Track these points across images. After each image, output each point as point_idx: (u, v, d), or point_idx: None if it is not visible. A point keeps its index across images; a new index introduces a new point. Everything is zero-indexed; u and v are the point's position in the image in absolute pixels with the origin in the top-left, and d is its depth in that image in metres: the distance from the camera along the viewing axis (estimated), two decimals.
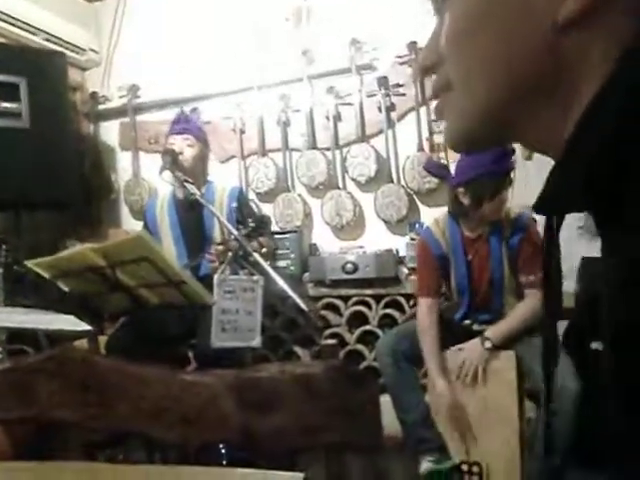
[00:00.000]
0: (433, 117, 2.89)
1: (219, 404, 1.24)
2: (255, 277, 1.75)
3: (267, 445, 1.02)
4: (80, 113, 3.38)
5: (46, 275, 1.66)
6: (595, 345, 2.38)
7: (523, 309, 1.97)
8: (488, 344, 1.93)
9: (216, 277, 1.73)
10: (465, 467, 1.97)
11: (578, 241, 2.73)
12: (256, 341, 1.77)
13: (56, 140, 2.74)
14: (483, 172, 1.87)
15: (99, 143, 3.39)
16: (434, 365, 1.98)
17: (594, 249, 2.28)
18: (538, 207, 0.38)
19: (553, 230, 0.40)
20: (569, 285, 2.36)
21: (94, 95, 3.39)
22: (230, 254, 1.76)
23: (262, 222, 1.93)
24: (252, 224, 1.83)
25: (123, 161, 3.39)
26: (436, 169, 2.28)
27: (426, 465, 1.91)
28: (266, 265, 1.69)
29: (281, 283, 1.68)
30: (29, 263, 1.62)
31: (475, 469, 1.96)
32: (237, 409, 1.24)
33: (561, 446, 1.77)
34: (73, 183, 2.85)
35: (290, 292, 1.66)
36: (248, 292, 1.76)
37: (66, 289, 1.71)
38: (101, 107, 3.40)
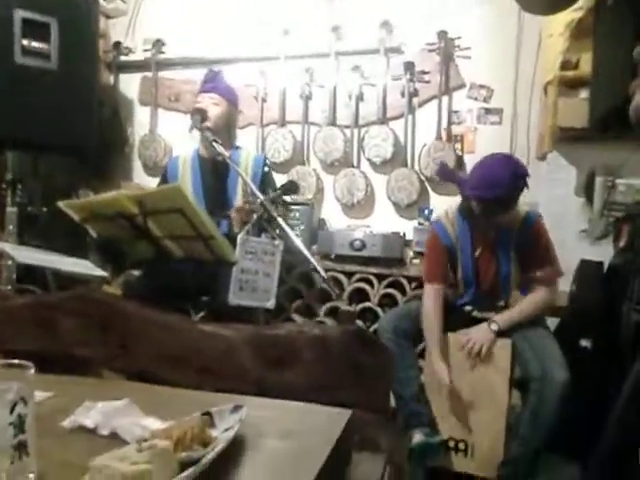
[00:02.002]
0: (454, 107, 2.94)
1: (236, 356, 1.31)
2: (276, 241, 1.81)
3: (279, 399, 1.09)
4: (102, 62, 3.37)
5: (76, 217, 1.69)
6: (584, 343, 2.49)
7: (532, 300, 2.06)
8: (495, 327, 2.02)
9: (240, 237, 1.78)
10: (452, 443, 2.08)
11: (578, 244, 2.83)
12: (270, 302, 1.83)
13: (80, 86, 2.74)
14: (499, 194, 1.89)
15: (118, 95, 3.38)
16: (435, 347, 2.07)
17: (593, 253, 2.37)
18: None
19: None
20: (564, 284, 2.45)
21: (117, 45, 3.37)
22: (255, 216, 1.81)
23: (294, 185, 1.97)
24: (281, 188, 1.88)
25: (141, 116, 3.39)
26: (449, 176, 2.29)
27: (416, 438, 2.01)
28: (289, 230, 1.74)
29: (302, 248, 1.73)
30: (61, 204, 1.63)
31: (461, 446, 2.07)
32: (253, 362, 1.30)
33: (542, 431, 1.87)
34: (92, 131, 2.85)
35: (310, 257, 1.72)
36: (268, 255, 1.82)
37: (93, 233, 1.74)
38: (123, 58, 3.39)
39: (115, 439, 0.63)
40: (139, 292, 2.06)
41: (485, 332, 2.03)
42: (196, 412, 0.66)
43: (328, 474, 0.63)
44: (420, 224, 2.85)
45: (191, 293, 2.11)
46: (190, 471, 0.51)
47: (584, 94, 2.47)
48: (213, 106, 2.25)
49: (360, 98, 3.03)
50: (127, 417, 0.65)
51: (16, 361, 0.57)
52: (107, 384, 0.90)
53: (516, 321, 2.04)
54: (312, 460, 0.63)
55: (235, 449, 0.63)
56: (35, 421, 0.54)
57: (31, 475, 0.53)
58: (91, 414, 0.65)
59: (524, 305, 2.06)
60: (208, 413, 0.66)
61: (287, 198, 2.98)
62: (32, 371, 0.55)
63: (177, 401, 0.85)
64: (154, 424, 0.64)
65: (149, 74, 3.33)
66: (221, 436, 0.60)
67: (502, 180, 1.89)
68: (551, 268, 2.07)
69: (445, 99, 2.91)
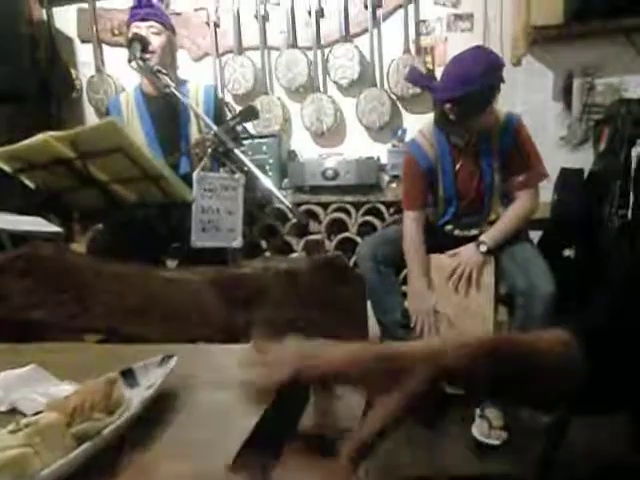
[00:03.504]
0: (421, 17, 2.73)
1: (201, 301, 1.21)
2: (236, 175, 1.67)
3: (249, 341, 0.99)
4: None
5: (7, 169, 1.53)
6: (568, 252, 2.44)
7: (516, 210, 1.96)
8: (484, 248, 1.93)
9: (195, 174, 1.64)
10: None
11: (558, 151, 2.72)
12: (237, 241, 1.72)
13: (3, 22, 2.45)
14: (472, 88, 1.78)
15: (54, 31, 3.06)
16: (416, 271, 1.99)
17: (573, 160, 2.27)
18: None
19: None
20: (546, 195, 2.36)
21: None
22: (210, 150, 1.66)
23: (252, 110, 1.79)
24: (239, 115, 1.71)
25: (84, 54, 3.11)
26: (420, 79, 2.15)
27: None
28: (248, 162, 1.60)
29: (264, 181, 1.60)
30: None
31: None
32: (220, 306, 1.20)
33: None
34: (26, 74, 2.57)
35: (273, 189, 1.60)
36: (229, 190, 1.68)
37: (31, 185, 1.59)
38: None
39: (16, 415, 0.52)
40: (105, 246, 1.93)
41: (474, 253, 1.95)
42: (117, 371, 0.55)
43: (275, 420, 0.52)
44: (394, 146, 2.71)
45: (159, 240, 1.99)
46: (85, 447, 0.41)
47: None
48: (154, 36, 2.01)
49: (320, 14, 2.80)
50: (31, 386, 0.54)
51: None
52: (27, 348, 0.80)
53: (504, 237, 1.95)
54: (250, 409, 0.52)
55: (160, 407, 0.53)
56: None
57: None
58: None
59: (508, 218, 1.96)
60: (128, 370, 0.55)
61: (253, 132, 2.82)
62: None
63: (105, 359, 0.74)
64: (64, 392, 0.53)
65: (85, 5, 3.01)
66: (137, 397, 0.50)
67: (474, 74, 1.76)
68: (533, 171, 1.96)
69: (411, 8, 2.69)
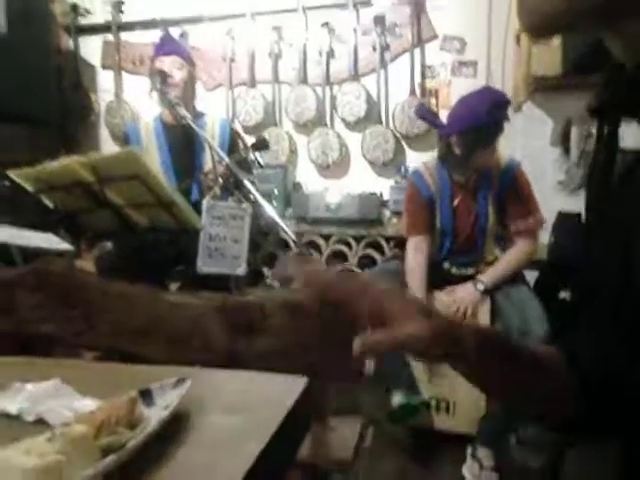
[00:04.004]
0: (427, 62, 2.85)
1: (205, 326, 1.26)
2: (244, 205, 1.74)
3: (250, 367, 1.05)
4: (59, 25, 3.19)
5: (29, 188, 1.61)
6: (563, 294, 2.49)
7: (515, 255, 2.03)
8: (481, 286, 1.99)
9: (205, 202, 1.72)
10: (433, 402, 2.08)
11: (556, 195, 2.80)
12: (241, 269, 1.78)
13: (34, 50, 2.59)
14: (478, 123, 1.87)
15: (79, 59, 3.22)
16: (417, 294, 2.04)
17: (571, 204, 2.34)
18: (599, 108, 0.38)
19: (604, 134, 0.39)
20: (543, 237, 2.43)
21: (75, 7, 3.20)
22: (221, 180, 1.74)
23: (263, 142, 1.89)
24: (251, 146, 1.81)
25: (105, 81, 3.25)
26: (428, 115, 2.26)
27: (397, 399, 2.00)
28: (256, 193, 1.67)
29: (269, 211, 1.67)
30: (12, 174, 1.56)
31: (443, 404, 2.07)
32: (223, 331, 1.26)
33: None
34: (51, 99, 2.72)
35: (278, 220, 1.66)
36: (237, 220, 1.76)
37: (50, 204, 1.67)
38: (83, 21, 3.22)
39: (41, 426, 0.58)
40: (112, 266, 2.00)
41: (471, 292, 2.00)
42: (134, 390, 0.61)
43: (278, 448, 0.58)
44: (397, 182, 2.79)
45: (165, 263, 2.05)
46: (111, 458, 0.46)
47: (557, 41, 2.39)
48: (177, 70, 2.13)
49: (331, 55, 2.93)
50: (57, 399, 0.60)
51: None
52: (46, 363, 0.84)
53: (501, 279, 2.01)
54: (257, 435, 0.58)
55: (174, 427, 0.58)
56: None
57: None
58: (17, 398, 0.60)
59: (507, 261, 2.03)
60: (146, 390, 0.61)
61: (260, 160, 2.91)
62: None
63: (122, 378, 0.79)
64: (87, 406, 0.59)
65: (110, 37, 3.17)
66: (155, 416, 0.55)
67: (481, 109, 1.85)
68: (533, 217, 2.03)
69: (418, 52, 2.82)
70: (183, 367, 0.81)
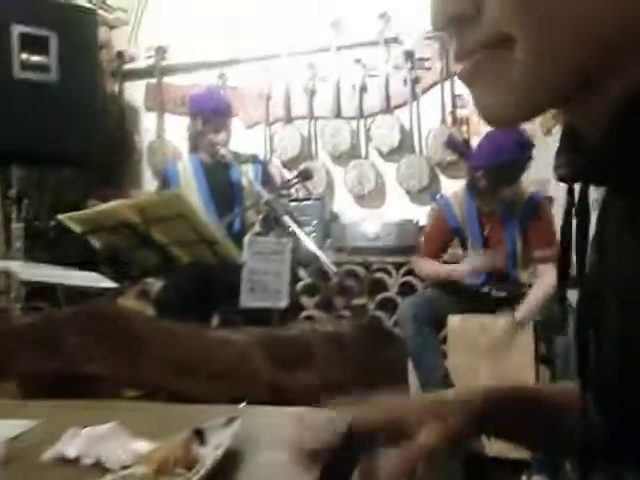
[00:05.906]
0: (457, 91, 2.88)
1: (248, 361, 1.29)
2: (284, 239, 1.79)
3: (295, 402, 1.06)
4: (106, 72, 3.38)
5: (77, 229, 1.69)
6: None
7: (542, 287, 2.04)
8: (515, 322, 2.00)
9: (246, 239, 1.78)
10: None
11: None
12: (283, 302, 1.82)
13: (84, 97, 2.75)
14: (505, 160, 1.93)
15: (124, 103, 3.40)
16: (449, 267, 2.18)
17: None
18: (567, 175, 0.36)
19: (574, 200, 0.37)
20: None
21: (120, 54, 3.39)
22: (261, 216, 1.80)
23: (307, 171, 1.98)
24: (297, 177, 1.89)
25: (147, 122, 3.40)
26: (457, 146, 2.34)
27: None
28: (296, 228, 1.72)
29: (310, 244, 1.72)
30: (61, 217, 1.64)
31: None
32: (266, 366, 1.28)
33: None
34: (97, 141, 2.85)
35: (318, 252, 1.70)
36: (277, 254, 1.80)
37: (96, 244, 1.75)
38: (127, 67, 3.40)
39: (99, 468, 0.61)
40: (167, 302, 2.07)
41: (506, 327, 2.01)
42: (187, 429, 0.64)
43: None
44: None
45: (209, 298, 2.11)
46: None
47: None
48: (225, 133, 2.25)
49: (364, 89, 3.00)
50: (113, 442, 0.63)
51: None
52: (100, 405, 0.88)
53: (535, 313, 2.02)
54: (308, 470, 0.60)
55: (227, 466, 0.61)
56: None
57: None
58: (75, 442, 0.63)
59: (538, 291, 2.04)
60: (199, 430, 0.64)
61: (299, 195, 2.97)
62: None
63: (173, 418, 0.82)
64: (143, 448, 0.62)
65: (153, 80, 3.34)
66: (209, 455, 0.58)
67: (506, 147, 1.92)
68: (550, 249, 2.04)
69: (447, 84, 2.86)
70: (230, 405, 0.84)
